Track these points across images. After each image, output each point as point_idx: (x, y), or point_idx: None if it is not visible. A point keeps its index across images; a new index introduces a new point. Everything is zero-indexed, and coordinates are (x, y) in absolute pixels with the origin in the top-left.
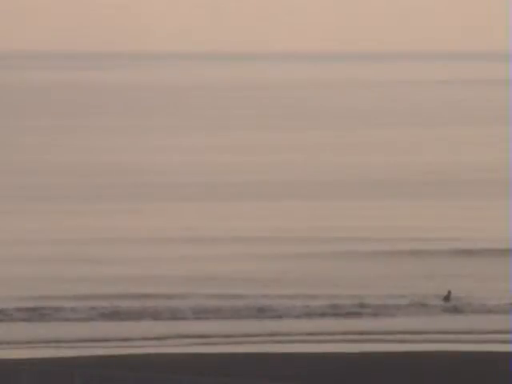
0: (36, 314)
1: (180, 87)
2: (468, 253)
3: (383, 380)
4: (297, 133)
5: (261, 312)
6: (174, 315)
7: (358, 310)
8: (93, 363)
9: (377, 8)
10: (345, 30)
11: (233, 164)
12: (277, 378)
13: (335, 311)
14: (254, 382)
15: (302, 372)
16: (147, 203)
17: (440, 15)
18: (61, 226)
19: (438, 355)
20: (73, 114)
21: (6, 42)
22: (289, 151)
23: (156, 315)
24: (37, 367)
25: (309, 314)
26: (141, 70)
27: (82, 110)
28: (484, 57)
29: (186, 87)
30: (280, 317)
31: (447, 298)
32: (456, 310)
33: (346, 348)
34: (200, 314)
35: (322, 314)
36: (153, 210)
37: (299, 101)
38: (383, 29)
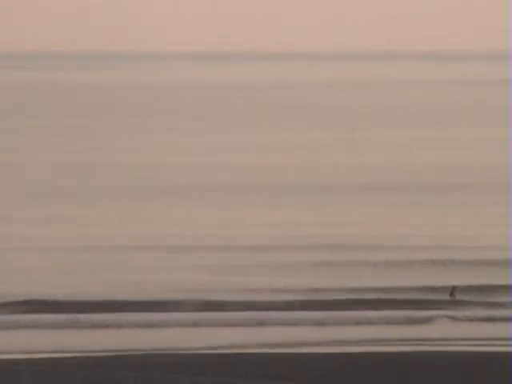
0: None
1: (180, 87)
2: (466, 263)
3: (383, 380)
4: (297, 133)
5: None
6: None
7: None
8: (93, 363)
9: (377, 8)
10: (345, 31)
11: (233, 164)
12: (277, 378)
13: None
14: (254, 382)
15: (302, 372)
16: (147, 204)
17: (440, 15)
18: (59, 232)
19: (438, 355)
20: (73, 114)
21: (5, 42)
22: (289, 151)
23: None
24: (36, 367)
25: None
26: (141, 70)
27: (82, 110)
28: (484, 57)
29: (186, 87)
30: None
31: (452, 293)
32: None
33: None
34: (200, 322)
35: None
36: (153, 211)
37: (299, 101)
38: (383, 29)
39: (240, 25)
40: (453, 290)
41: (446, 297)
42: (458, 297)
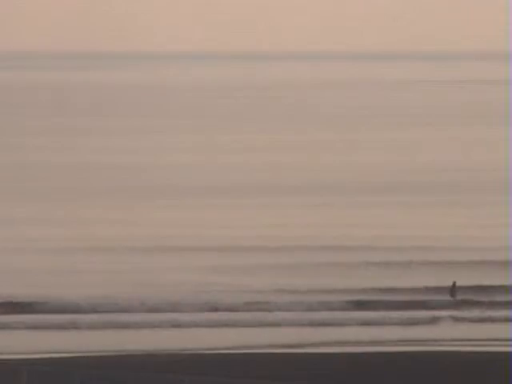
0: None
1: (179, 87)
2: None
3: (383, 380)
4: (297, 133)
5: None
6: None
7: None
8: (93, 363)
9: (377, 8)
10: (345, 30)
11: (233, 164)
12: (277, 378)
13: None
14: (254, 382)
15: (302, 372)
16: (146, 204)
17: (440, 15)
18: (60, 232)
19: (439, 355)
20: (73, 114)
21: (6, 42)
22: (289, 151)
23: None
24: (37, 367)
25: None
26: (141, 70)
27: (82, 110)
28: (484, 57)
29: (186, 87)
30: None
31: (453, 288)
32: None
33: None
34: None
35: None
36: (153, 212)
37: (300, 101)
38: (383, 29)
39: (240, 25)
40: (453, 286)
41: (448, 297)
42: (461, 297)
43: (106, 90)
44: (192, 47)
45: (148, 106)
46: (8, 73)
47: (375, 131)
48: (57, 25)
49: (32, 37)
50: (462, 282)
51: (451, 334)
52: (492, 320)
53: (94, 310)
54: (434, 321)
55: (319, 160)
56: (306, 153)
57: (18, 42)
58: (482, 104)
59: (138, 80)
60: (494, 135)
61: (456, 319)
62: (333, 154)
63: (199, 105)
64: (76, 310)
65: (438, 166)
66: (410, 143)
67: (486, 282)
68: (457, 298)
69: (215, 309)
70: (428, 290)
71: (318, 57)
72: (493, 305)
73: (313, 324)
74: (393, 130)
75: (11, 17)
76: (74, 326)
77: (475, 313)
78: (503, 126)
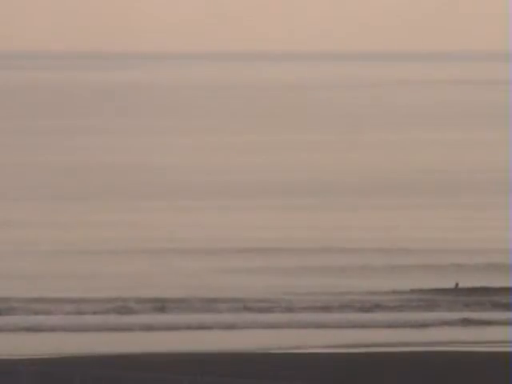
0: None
1: (179, 87)
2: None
3: (383, 380)
4: (297, 133)
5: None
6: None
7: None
8: (93, 363)
9: (376, 8)
10: (344, 30)
11: (232, 164)
12: (277, 378)
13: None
14: (254, 382)
15: (302, 372)
16: (146, 205)
17: (440, 15)
18: (61, 234)
19: (439, 355)
20: (73, 114)
21: (6, 42)
22: (288, 151)
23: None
24: (37, 367)
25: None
26: (141, 70)
27: (82, 110)
28: (484, 57)
29: (186, 87)
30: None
31: (456, 291)
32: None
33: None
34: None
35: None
36: (152, 212)
37: (300, 101)
38: (383, 29)
39: (239, 25)
40: (456, 288)
41: (452, 299)
42: (468, 299)
43: (106, 90)
44: (192, 47)
45: (148, 105)
46: (8, 72)
47: (375, 131)
48: (57, 25)
49: (32, 37)
50: (465, 283)
51: (453, 335)
52: (496, 322)
53: (93, 311)
54: (436, 323)
55: (319, 160)
56: (306, 153)
57: (18, 41)
58: (482, 104)
59: (138, 80)
60: (495, 136)
61: (458, 321)
62: (333, 154)
63: (199, 105)
64: (76, 311)
65: (439, 166)
66: (410, 144)
67: (490, 284)
68: (460, 299)
69: (216, 310)
70: (431, 291)
71: (317, 57)
72: (496, 306)
73: (315, 326)
74: (393, 130)
75: (11, 17)
76: (75, 328)
77: (478, 315)
78: (504, 127)
